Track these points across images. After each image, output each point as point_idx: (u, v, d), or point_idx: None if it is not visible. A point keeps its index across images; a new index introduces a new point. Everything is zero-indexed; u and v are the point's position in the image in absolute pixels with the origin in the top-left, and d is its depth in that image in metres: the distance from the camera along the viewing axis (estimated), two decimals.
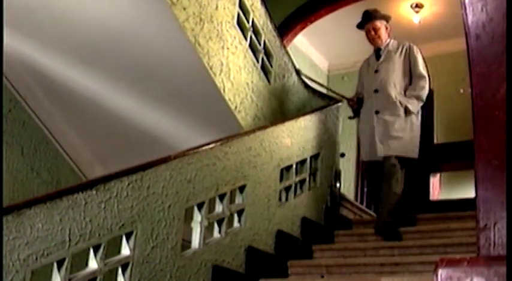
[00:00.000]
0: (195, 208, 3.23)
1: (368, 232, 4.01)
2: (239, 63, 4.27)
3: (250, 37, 4.43)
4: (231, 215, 3.49)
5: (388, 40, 4.42)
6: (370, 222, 4.33)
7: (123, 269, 2.75)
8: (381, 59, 4.36)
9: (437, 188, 7.05)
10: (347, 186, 6.53)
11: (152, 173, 2.93)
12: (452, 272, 1.08)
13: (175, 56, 4.00)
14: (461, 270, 1.07)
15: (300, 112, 4.64)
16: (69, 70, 4.30)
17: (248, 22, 4.41)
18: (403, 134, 4.13)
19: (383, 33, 4.39)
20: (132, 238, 2.79)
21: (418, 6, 6.71)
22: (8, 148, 4.27)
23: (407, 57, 4.29)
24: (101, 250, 2.63)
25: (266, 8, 4.59)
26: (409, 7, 6.75)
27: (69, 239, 2.48)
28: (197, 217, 3.23)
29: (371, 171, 4.44)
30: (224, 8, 4.15)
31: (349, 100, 4.66)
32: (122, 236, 2.77)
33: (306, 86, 5.11)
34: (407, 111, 4.16)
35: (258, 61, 4.50)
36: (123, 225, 2.74)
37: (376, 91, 4.29)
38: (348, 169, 6.57)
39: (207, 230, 3.28)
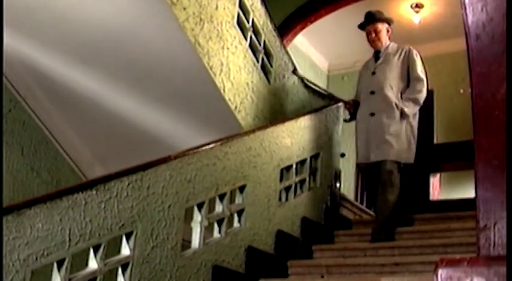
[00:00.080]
0: (195, 208, 3.23)
1: (368, 232, 4.01)
2: (239, 63, 4.27)
3: (250, 37, 4.43)
4: (231, 215, 3.50)
5: (388, 43, 4.40)
6: (370, 222, 4.33)
7: (123, 269, 2.75)
8: (379, 61, 4.34)
9: (437, 188, 7.05)
10: (347, 186, 6.53)
11: (152, 173, 2.94)
12: (452, 272, 1.08)
13: (175, 56, 4.00)
14: (461, 270, 1.07)
15: (300, 112, 4.63)
16: (69, 70, 4.30)
17: (248, 22, 4.41)
18: (398, 138, 4.08)
19: (383, 35, 4.37)
20: (132, 238, 2.79)
21: (418, 6, 6.71)
22: (8, 148, 4.27)
23: (406, 60, 4.26)
24: (101, 250, 2.63)
25: (266, 8, 4.59)
26: (409, 7, 6.74)
27: (69, 239, 2.49)
28: (197, 217, 3.23)
29: (366, 174, 4.37)
30: (224, 8, 4.15)
31: (345, 103, 4.65)
32: (122, 236, 2.77)
33: (306, 86, 5.11)
34: (403, 114, 4.12)
35: (258, 61, 4.50)
36: (123, 225, 2.74)
37: (372, 93, 4.26)
38: (348, 169, 6.56)
39: (207, 230, 3.28)
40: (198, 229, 3.21)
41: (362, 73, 4.54)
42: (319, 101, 5.03)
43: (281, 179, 3.99)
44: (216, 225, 3.37)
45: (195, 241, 3.19)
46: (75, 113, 4.67)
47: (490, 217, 1.14)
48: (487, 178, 1.18)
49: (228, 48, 4.16)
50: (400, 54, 4.30)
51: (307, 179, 4.30)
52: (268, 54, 4.65)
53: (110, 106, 4.52)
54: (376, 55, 4.40)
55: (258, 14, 4.52)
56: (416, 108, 4.20)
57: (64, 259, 2.46)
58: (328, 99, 5.01)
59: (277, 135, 3.97)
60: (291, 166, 4.12)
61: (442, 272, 1.09)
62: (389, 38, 4.43)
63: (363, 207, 5.36)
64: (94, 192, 2.62)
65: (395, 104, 4.14)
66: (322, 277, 3.47)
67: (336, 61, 8.08)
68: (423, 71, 4.26)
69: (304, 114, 4.48)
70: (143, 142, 4.66)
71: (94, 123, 4.74)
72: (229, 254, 3.39)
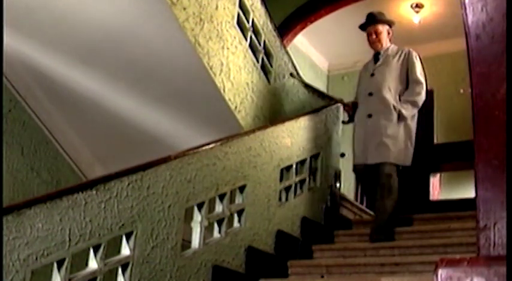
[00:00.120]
0: (195, 208, 3.23)
1: (368, 232, 4.01)
2: (239, 63, 4.27)
3: (250, 37, 4.43)
4: (231, 215, 3.49)
5: (389, 45, 4.37)
6: (370, 222, 4.33)
7: (123, 269, 2.75)
8: (378, 63, 4.32)
9: (437, 188, 7.05)
10: (347, 186, 6.52)
11: (152, 173, 2.93)
12: (452, 272, 1.08)
13: (175, 56, 4.00)
14: (461, 270, 1.07)
15: (300, 112, 4.63)
16: (69, 70, 4.30)
17: (248, 22, 4.41)
18: (396, 141, 4.05)
19: (384, 37, 4.34)
20: (132, 238, 2.79)
21: (418, 6, 6.71)
22: (8, 148, 4.27)
23: (405, 62, 4.23)
24: (101, 250, 2.63)
25: (266, 8, 4.59)
26: (409, 7, 6.75)
27: (69, 239, 2.48)
28: (197, 217, 3.23)
29: (363, 175, 4.31)
30: (224, 8, 4.15)
31: (344, 105, 4.64)
32: (122, 236, 2.77)
33: (306, 86, 5.11)
34: (400, 117, 4.09)
35: (258, 61, 4.50)
36: (123, 225, 2.74)
37: (370, 94, 4.23)
38: (348, 169, 6.54)
39: (207, 230, 3.28)
40: (198, 229, 3.21)
41: (361, 75, 4.53)
42: (319, 101, 5.03)
43: (281, 179, 3.99)
44: (216, 225, 3.37)
45: (195, 241, 3.19)
46: (75, 113, 4.67)
47: (490, 217, 1.14)
48: (487, 178, 1.18)
49: (228, 48, 4.16)
50: (399, 57, 4.27)
51: (307, 179, 4.30)
52: (268, 54, 4.65)
53: (110, 106, 4.52)
54: (376, 57, 4.38)
55: (258, 14, 4.52)
56: (415, 111, 4.18)
57: (64, 259, 2.46)
58: (328, 99, 5.01)
59: (277, 135, 3.97)
60: (291, 166, 4.12)
61: (442, 272, 1.09)
62: (390, 40, 4.40)
63: (363, 207, 5.35)
64: (94, 192, 2.62)
65: (393, 106, 4.11)
66: (322, 277, 3.47)
67: (336, 61, 8.08)
68: (422, 73, 4.23)
69: (304, 114, 4.48)
70: (143, 142, 4.66)
71: (94, 123, 4.74)
72: (229, 254, 3.39)
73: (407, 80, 4.22)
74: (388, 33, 4.38)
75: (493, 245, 1.12)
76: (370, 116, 4.17)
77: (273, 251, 3.75)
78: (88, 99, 4.47)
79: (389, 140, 4.05)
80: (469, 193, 5.37)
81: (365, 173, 4.22)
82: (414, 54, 4.27)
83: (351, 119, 4.49)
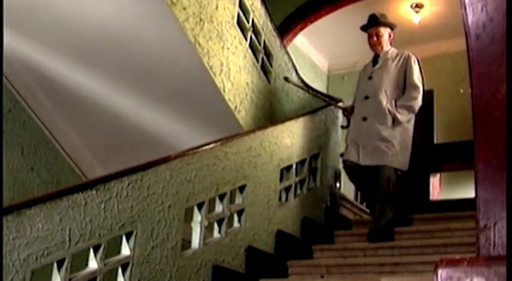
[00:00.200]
0: (195, 208, 3.23)
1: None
2: (239, 63, 4.27)
3: (250, 37, 4.43)
4: (231, 215, 3.50)
5: (389, 48, 4.33)
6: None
7: (123, 269, 2.75)
8: (377, 66, 4.28)
9: (437, 188, 7.05)
10: (347, 186, 6.52)
11: (152, 173, 2.94)
12: (452, 272, 1.08)
13: (175, 56, 4.00)
14: (461, 270, 1.07)
15: (300, 112, 4.63)
16: (69, 70, 4.30)
17: (248, 22, 4.41)
18: (391, 144, 4.00)
19: (385, 40, 4.30)
20: (132, 238, 2.79)
21: (418, 6, 6.71)
22: (8, 148, 4.27)
23: (404, 66, 4.18)
24: (101, 250, 2.63)
25: (266, 8, 4.59)
26: (409, 7, 6.74)
27: (69, 239, 2.49)
28: (197, 217, 3.23)
29: (353, 172, 4.19)
30: (224, 8, 4.15)
31: (344, 110, 4.62)
32: (122, 236, 2.78)
33: (306, 86, 5.11)
34: (395, 121, 4.05)
35: (258, 61, 4.50)
36: (123, 225, 2.74)
37: (366, 98, 4.20)
38: None
39: (207, 230, 3.28)
40: (198, 229, 3.21)
41: (360, 77, 4.49)
42: (319, 101, 5.03)
43: (281, 179, 3.99)
44: (216, 225, 3.37)
45: (195, 241, 3.19)
46: (75, 113, 4.67)
47: (490, 217, 1.14)
48: (487, 178, 1.18)
49: (228, 48, 4.16)
50: (398, 60, 4.22)
51: (307, 179, 4.30)
52: (268, 54, 4.65)
53: (110, 106, 4.51)
54: (375, 60, 4.34)
55: (258, 14, 4.52)
56: (411, 116, 4.13)
57: (64, 259, 2.47)
58: (328, 99, 5.01)
59: (277, 135, 3.97)
60: (291, 166, 4.12)
61: (442, 272, 1.09)
62: (390, 43, 4.36)
63: (363, 207, 5.35)
64: (94, 192, 2.62)
65: (388, 110, 4.06)
66: (322, 277, 3.47)
67: (336, 61, 8.08)
68: (420, 78, 4.18)
69: (304, 114, 4.48)
70: (143, 142, 4.66)
71: (94, 123, 4.74)
72: (229, 254, 3.39)
73: (404, 85, 4.17)
74: (390, 36, 4.34)
75: (493, 245, 1.12)
76: (365, 119, 4.13)
77: (273, 251, 3.75)
78: (88, 99, 4.47)
79: (384, 143, 4.00)
80: (469, 193, 5.37)
81: (355, 170, 4.15)
82: (413, 58, 4.22)
83: (350, 124, 4.46)
